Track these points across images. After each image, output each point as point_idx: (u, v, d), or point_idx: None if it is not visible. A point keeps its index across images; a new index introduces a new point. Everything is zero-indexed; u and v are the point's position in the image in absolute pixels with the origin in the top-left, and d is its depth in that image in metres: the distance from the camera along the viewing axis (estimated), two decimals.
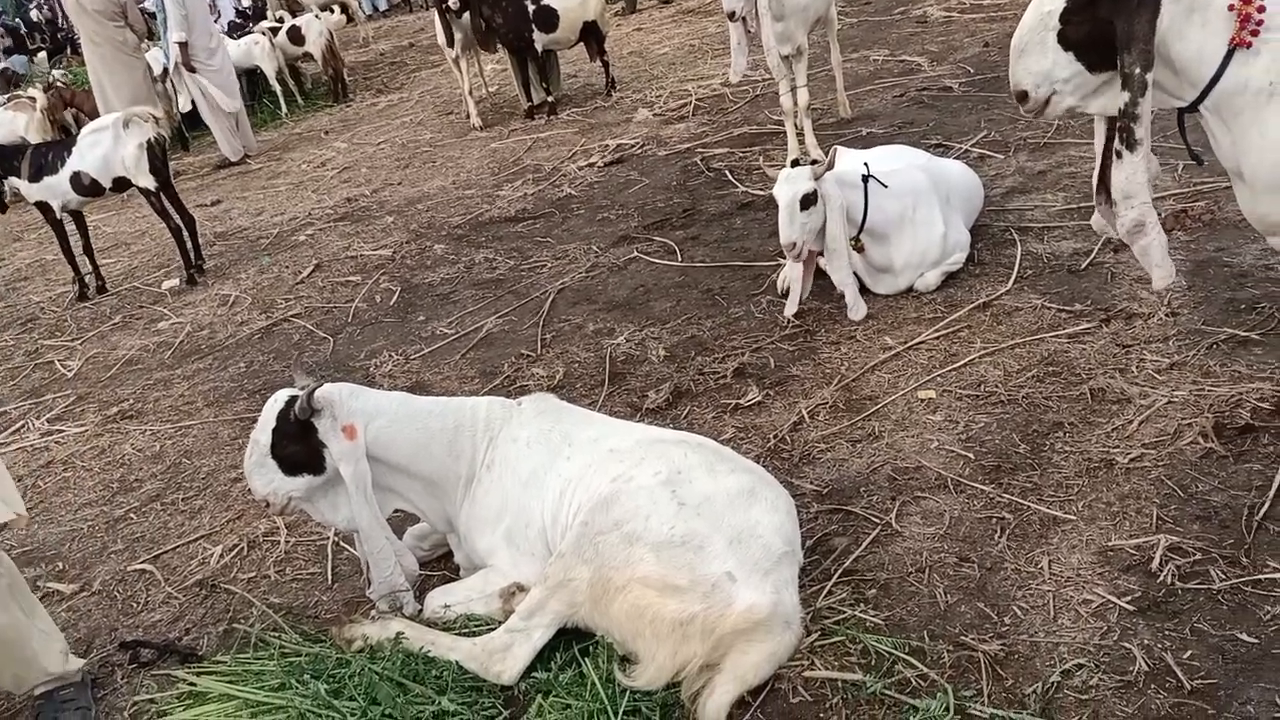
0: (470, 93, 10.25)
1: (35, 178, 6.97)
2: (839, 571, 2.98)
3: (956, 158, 5.69)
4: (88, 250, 7.47)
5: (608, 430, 3.18)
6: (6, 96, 12.93)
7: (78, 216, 7.29)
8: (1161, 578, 2.67)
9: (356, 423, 3.02)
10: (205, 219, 7.41)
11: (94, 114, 10.68)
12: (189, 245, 7.28)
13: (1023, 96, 2.84)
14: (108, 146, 6.85)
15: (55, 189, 6.97)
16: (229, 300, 6.75)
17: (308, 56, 13.84)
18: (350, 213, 8.21)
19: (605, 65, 10.20)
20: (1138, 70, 2.54)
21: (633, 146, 8.15)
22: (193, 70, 10.86)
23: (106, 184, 6.96)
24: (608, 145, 8.31)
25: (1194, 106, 2.69)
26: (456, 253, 6.66)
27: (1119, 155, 2.72)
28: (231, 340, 6.08)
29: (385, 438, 3.09)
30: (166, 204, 7.08)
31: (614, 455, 2.99)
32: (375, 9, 23.48)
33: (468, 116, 10.24)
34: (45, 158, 7.02)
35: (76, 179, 6.91)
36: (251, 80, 13.62)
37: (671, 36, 12.47)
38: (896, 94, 7.77)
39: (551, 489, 3.05)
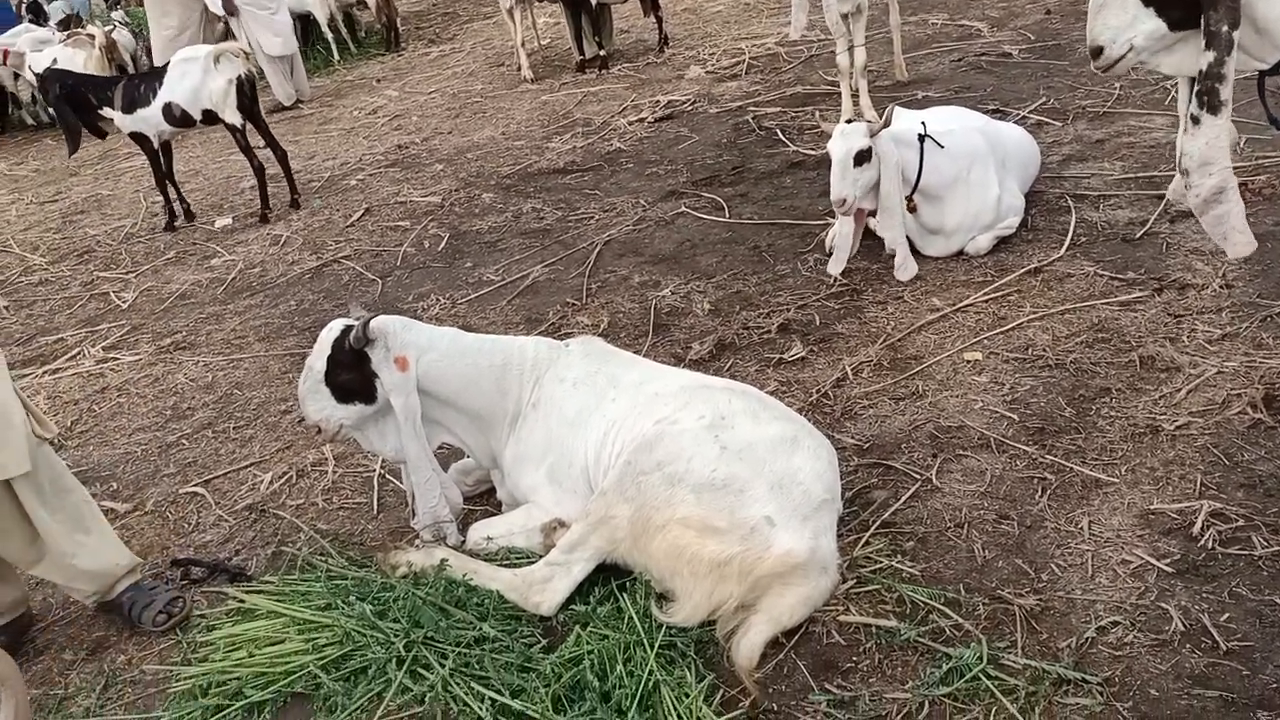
0: (522, 45, 10.23)
1: (129, 109, 7.06)
2: (877, 523, 3.00)
3: (1014, 124, 5.61)
4: (170, 178, 7.57)
5: (653, 374, 3.21)
6: (67, 33, 13.07)
7: (165, 147, 7.38)
8: (1202, 542, 2.67)
9: (409, 354, 3.07)
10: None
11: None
12: (280, 181, 7.43)
13: (1098, 52, 2.79)
14: (197, 79, 6.91)
15: (149, 119, 7.06)
16: (280, 240, 6.84)
17: (361, 4, 13.85)
18: (401, 159, 8.26)
19: (659, 21, 10.13)
20: (1224, 28, 2.49)
21: (684, 103, 8.11)
22: (234, 14, 10.85)
23: (196, 116, 7.03)
24: (658, 101, 8.27)
25: (1276, 69, 2.63)
26: (505, 202, 6.70)
27: (1196, 120, 2.66)
28: (282, 279, 6.17)
29: (436, 371, 3.14)
30: (255, 139, 7.16)
31: (659, 399, 3.02)
32: None
33: (519, 69, 10.23)
34: (138, 89, 7.11)
35: (168, 109, 6.99)
36: (304, 26, 13.66)
37: None
38: (954, 58, 7.66)
39: (595, 429, 3.09)
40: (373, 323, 3.06)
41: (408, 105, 10.22)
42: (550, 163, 7.33)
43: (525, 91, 9.71)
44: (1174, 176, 2.94)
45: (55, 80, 7.31)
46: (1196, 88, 2.60)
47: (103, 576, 3.18)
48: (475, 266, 5.74)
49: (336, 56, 13.48)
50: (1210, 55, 2.52)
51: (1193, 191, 2.73)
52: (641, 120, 7.91)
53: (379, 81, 11.82)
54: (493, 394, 3.21)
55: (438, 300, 5.34)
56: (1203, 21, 2.54)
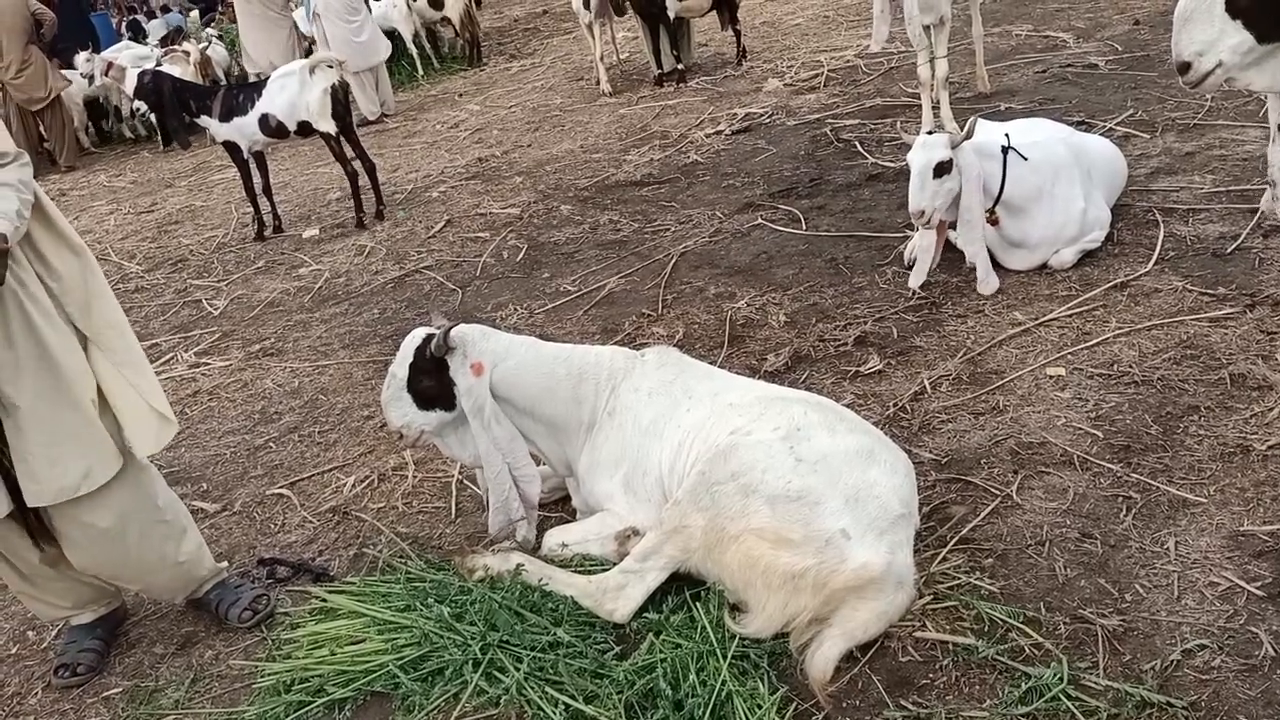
0: (601, 59, 10.33)
1: (226, 118, 7.32)
2: (955, 539, 2.97)
3: (1100, 136, 5.50)
4: (266, 190, 7.82)
5: (728, 385, 3.22)
6: (164, 50, 13.59)
7: (259, 157, 7.64)
8: None
9: (485, 361, 3.13)
10: (343, 175, 7.66)
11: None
12: (368, 191, 7.64)
13: (1185, 67, 2.73)
14: (294, 91, 7.14)
15: (244, 129, 7.32)
16: (365, 250, 7.01)
17: (445, 21, 14.15)
18: (481, 172, 8.41)
19: (737, 34, 10.16)
20: None
21: (761, 115, 8.11)
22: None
23: (291, 127, 7.25)
24: (736, 114, 8.29)
25: None
26: (582, 214, 6.77)
27: None
28: (366, 288, 6.33)
29: (512, 379, 3.20)
30: (346, 149, 7.38)
31: (734, 409, 3.03)
32: None
33: (598, 82, 10.33)
34: (236, 99, 7.37)
35: (264, 121, 7.24)
36: (389, 42, 13.98)
37: (805, 7, 12.32)
38: (1039, 70, 7.54)
39: (670, 439, 3.10)
40: (453, 332, 3.13)
41: (489, 119, 10.40)
42: (627, 175, 7.40)
43: (604, 105, 9.80)
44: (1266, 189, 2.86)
45: (164, 80, 7.64)
46: None
47: (194, 580, 3.29)
48: (553, 277, 5.81)
49: (420, 72, 13.78)
50: None
51: None
52: (719, 133, 7.94)
53: (461, 96, 12.05)
54: (569, 402, 3.25)
55: (515, 310, 5.43)
56: None
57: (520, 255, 6.28)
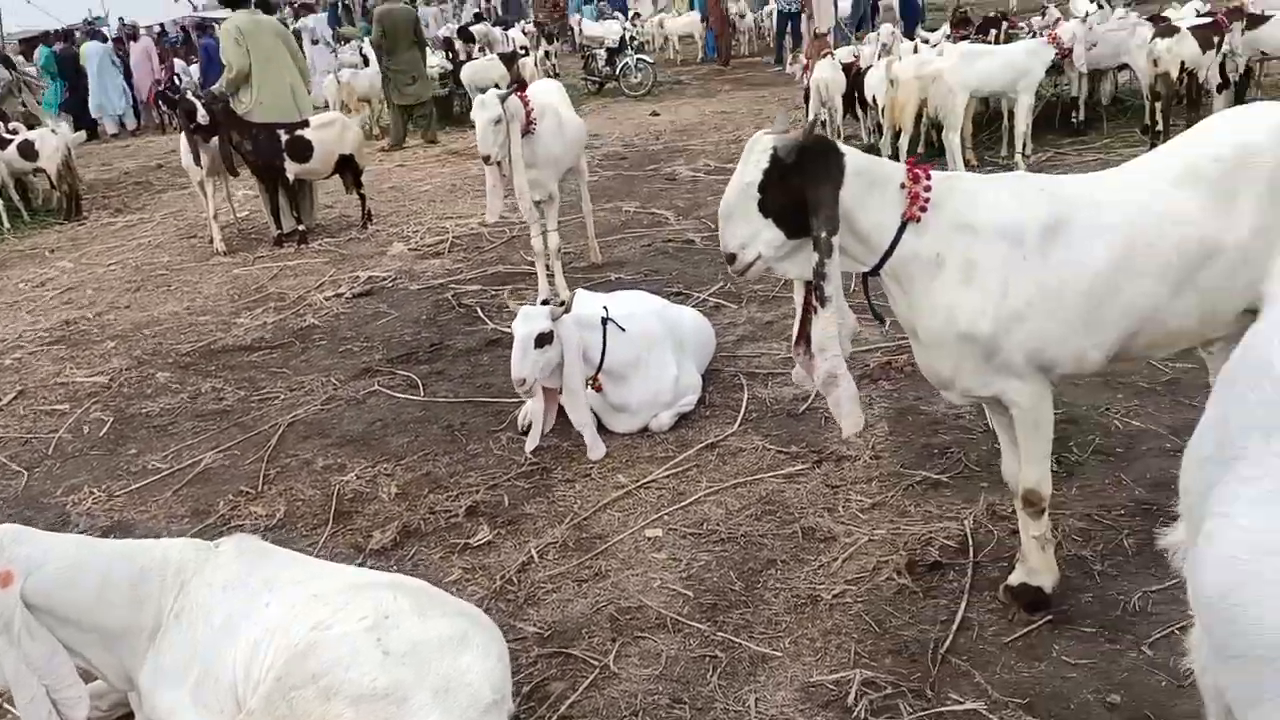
0: (214, 216, 9.86)
1: None
2: (554, 718, 2.89)
3: (695, 306, 5.99)
4: None
5: (315, 573, 2.99)
6: None
7: None
8: (856, 713, 2.76)
9: (16, 569, 2.69)
10: None
11: None
12: None
13: (731, 258, 3.02)
14: None
15: None
16: None
17: (39, 171, 12.93)
18: (67, 336, 7.58)
19: (362, 198, 10.13)
20: (824, 233, 2.77)
21: (384, 279, 8.05)
22: None
23: None
24: (358, 276, 8.17)
25: (875, 271, 2.95)
26: (181, 381, 6.26)
27: (815, 312, 2.92)
28: None
29: (53, 587, 2.75)
30: None
31: (318, 600, 2.80)
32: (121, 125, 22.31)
33: (211, 241, 9.83)
34: None
35: None
36: None
37: (434, 175, 12.61)
38: (645, 243, 8.14)
39: (246, 638, 2.81)
40: None
41: (83, 277, 9.50)
42: (237, 339, 6.98)
43: (217, 264, 9.31)
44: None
45: None
46: (812, 284, 2.86)
47: None
48: (140, 453, 5.26)
49: (6, 225, 12.41)
50: (815, 257, 2.79)
51: (815, 373, 2.98)
52: (339, 295, 7.76)
53: (52, 252, 10.95)
54: (127, 606, 2.85)
55: (91, 493, 4.81)
56: (810, 228, 2.82)
57: (104, 429, 5.64)
